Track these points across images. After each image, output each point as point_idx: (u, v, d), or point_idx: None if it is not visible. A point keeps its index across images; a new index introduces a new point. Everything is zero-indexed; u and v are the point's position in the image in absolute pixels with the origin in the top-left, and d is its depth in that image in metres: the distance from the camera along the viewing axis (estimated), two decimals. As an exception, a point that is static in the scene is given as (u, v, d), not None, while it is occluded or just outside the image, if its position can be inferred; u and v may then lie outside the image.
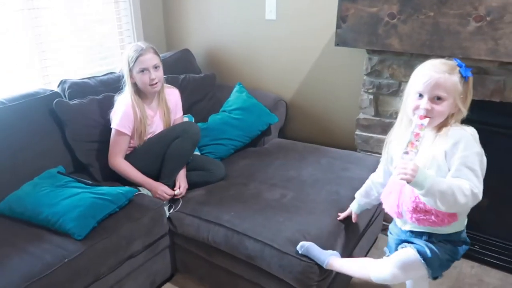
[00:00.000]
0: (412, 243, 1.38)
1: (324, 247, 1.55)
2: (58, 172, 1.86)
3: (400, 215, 1.38)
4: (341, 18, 1.91)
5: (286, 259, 1.55)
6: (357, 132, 2.22)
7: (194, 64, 2.64)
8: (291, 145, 2.39)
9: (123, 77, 1.96)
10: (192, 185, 1.99)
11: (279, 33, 2.44)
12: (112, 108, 1.96)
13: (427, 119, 1.25)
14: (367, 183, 1.64)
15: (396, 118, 2.05)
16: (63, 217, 1.56)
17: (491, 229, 2.07)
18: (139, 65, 1.88)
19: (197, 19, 2.74)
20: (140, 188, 1.92)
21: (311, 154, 2.24)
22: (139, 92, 1.96)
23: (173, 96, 2.10)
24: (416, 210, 1.30)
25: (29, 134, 1.88)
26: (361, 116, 2.18)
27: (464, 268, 2.04)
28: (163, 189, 1.90)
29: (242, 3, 2.51)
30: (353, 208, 1.67)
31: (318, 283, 1.53)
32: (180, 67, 2.47)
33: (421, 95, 1.27)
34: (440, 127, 1.29)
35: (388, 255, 1.53)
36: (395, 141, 1.42)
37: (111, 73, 2.30)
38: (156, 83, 1.93)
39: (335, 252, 1.53)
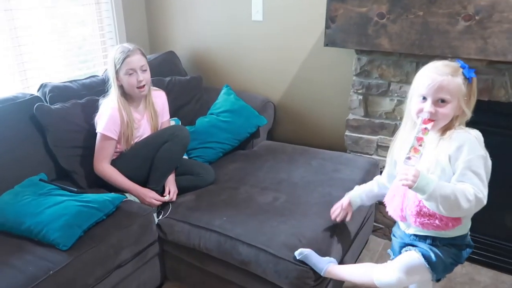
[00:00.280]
0: (416, 246, 1.36)
1: (320, 250, 1.53)
2: (40, 180, 1.78)
3: (404, 219, 1.37)
4: (330, 18, 1.90)
5: (281, 264, 1.52)
6: (347, 133, 2.21)
7: (179, 66, 2.58)
8: (281, 147, 2.36)
9: (108, 79, 1.89)
10: (181, 190, 1.94)
11: (266, 34, 2.41)
12: (97, 112, 1.89)
13: (431, 124, 1.23)
14: (372, 182, 1.62)
15: (386, 118, 2.09)
16: (47, 226, 1.49)
17: (481, 227, 2.08)
18: (126, 66, 1.82)
19: (182, 20, 2.68)
20: (127, 195, 1.86)
21: (301, 156, 2.22)
22: (125, 95, 1.89)
23: (159, 98, 2.04)
24: (420, 214, 1.28)
25: (8, 141, 1.79)
26: (351, 117, 2.17)
27: (456, 267, 2.04)
28: (151, 196, 1.84)
29: (228, 4, 2.47)
30: (354, 202, 1.62)
31: (314, 288, 1.50)
32: (165, 70, 2.42)
33: (424, 98, 1.26)
34: (444, 130, 1.28)
35: (393, 258, 1.52)
36: (398, 145, 1.39)
37: (94, 76, 2.22)
38: (144, 85, 1.87)
39: (332, 259, 1.51)
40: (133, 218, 1.69)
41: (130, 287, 1.74)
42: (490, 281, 1.99)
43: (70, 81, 2.11)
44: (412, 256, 1.34)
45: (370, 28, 1.82)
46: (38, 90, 2.03)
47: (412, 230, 1.37)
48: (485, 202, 1.19)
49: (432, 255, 1.31)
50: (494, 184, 1.84)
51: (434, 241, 1.33)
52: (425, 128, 1.24)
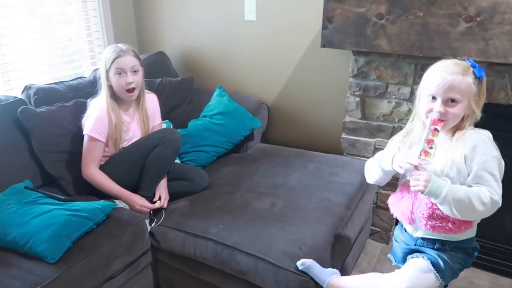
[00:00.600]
0: (422, 252, 1.32)
1: (321, 258, 1.48)
2: (26, 187, 1.69)
3: (412, 222, 1.33)
4: (327, 19, 1.85)
5: (281, 274, 1.46)
6: (343, 135, 2.17)
7: (170, 67, 2.51)
8: (275, 150, 2.30)
9: (99, 79, 1.83)
10: (174, 196, 1.87)
11: (259, 34, 2.35)
12: (85, 113, 1.81)
13: (441, 124, 1.21)
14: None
15: (383, 121, 2.05)
16: (34, 238, 1.41)
17: (480, 230, 2.06)
18: (116, 66, 1.75)
19: (172, 19, 2.61)
20: (117, 201, 1.78)
21: (296, 159, 2.17)
22: (115, 96, 1.82)
23: (151, 101, 1.97)
24: (432, 216, 1.25)
25: (-10, 146, 1.69)
26: (347, 119, 2.13)
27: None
28: (141, 203, 1.77)
29: (220, 3, 2.41)
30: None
31: (315, 298, 1.45)
32: (155, 71, 2.34)
33: (434, 98, 1.23)
34: (454, 131, 1.26)
35: (394, 264, 1.48)
36: (407, 145, 1.35)
37: (81, 77, 2.14)
38: (133, 88, 1.80)
39: (335, 270, 1.46)
40: (125, 226, 1.62)
41: (122, 299, 1.66)
42: (489, 284, 1.97)
43: (56, 83, 2.02)
44: (420, 264, 1.30)
45: (368, 29, 1.78)
46: (22, 93, 1.93)
47: (420, 233, 1.34)
48: (500, 203, 1.17)
49: (441, 262, 1.29)
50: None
51: (443, 245, 1.31)
52: (435, 129, 1.21)
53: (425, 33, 1.68)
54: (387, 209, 2.14)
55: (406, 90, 1.93)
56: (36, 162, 1.82)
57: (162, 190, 1.84)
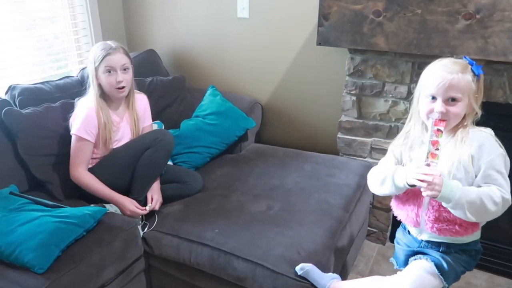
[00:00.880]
0: (425, 254, 1.30)
1: (320, 262, 1.44)
2: (11, 193, 1.61)
3: (417, 224, 1.30)
4: (323, 16, 1.80)
5: (280, 280, 1.42)
6: (339, 135, 2.13)
7: (161, 65, 2.44)
8: (270, 150, 2.26)
9: (87, 77, 1.76)
10: (167, 199, 1.82)
11: (253, 32, 2.30)
12: (72, 112, 1.75)
13: (443, 124, 1.18)
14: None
15: (380, 120, 2.02)
16: (20, 247, 1.34)
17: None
18: (105, 64, 1.69)
19: (162, 16, 2.53)
20: (107, 205, 1.72)
21: (292, 160, 2.12)
22: (104, 95, 1.76)
23: (140, 102, 1.91)
24: (438, 219, 1.23)
25: (-27, 150, 1.62)
26: (344, 118, 2.09)
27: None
28: (133, 208, 1.71)
29: (212, 0, 2.34)
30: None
31: (315, 305, 1.41)
32: (145, 70, 2.27)
33: (434, 98, 1.20)
34: (456, 130, 1.23)
35: (396, 267, 1.45)
36: (405, 148, 1.32)
37: (68, 76, 2.06)
38: (123, 87, 1.74)
39: (335, 275, 1.42)
40: (116, 232, 1.55)
41: (114, 308, 1.60)
42: (486, 284, 1.96)
43: (42, 83, 1.94)
44: (424, 266, 1.27)
45: (365, 27, 1.74)
46: (6, 93, 1.85)
47: (425, 236, 1.31)
48: (510, 201, 1.16)
49: (444, 264, 1.26)
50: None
51: (448, 248, 1.28)
52: (438, 130, 1.19)
53: (423, 31, 1.65)
54: (384, 209, 2.16)
55: (403, 89, 1.90)
56: (21, 166, 1.75)
57: (154, 192, 1.79)
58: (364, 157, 2.12)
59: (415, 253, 1.36)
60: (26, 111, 1.75)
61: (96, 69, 1.70)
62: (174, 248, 1.61)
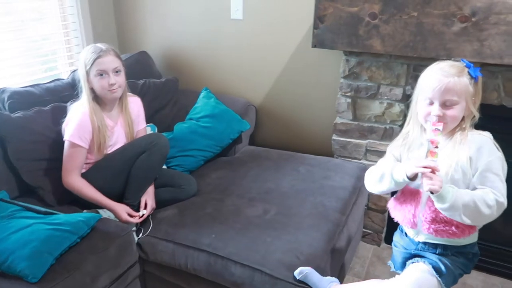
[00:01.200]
0: (423, 257, 1.29)
1: (319, 266, 1.43)
2: (1, 200, 1.57)
3: (414, 226, 1.30)
4: (319, 18, 1.79)
5: (279, 285, 1.41)
6: (334, 137, 2.12)
7: (153, 67, 2.41)
8: (265, 153, 2.24)
9: (79, 81, 1.72)
10: (161, 203, 1.79)
11: (246, 34, 2.28)
12: (65, 117, 1.71)
13: (441, 124, 1.19)
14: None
15: (375, 122, 2.02)
16: (13, 255, 1.31)
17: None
18: (97, 67, 1.66)
19: (155, 18, 2.50)
20: (101, 211, 1.69)
21: (287, 162, 2.11)
22: (97, 99, 1.72)
23: (134, 104, 1.88)
24: (435, 220, 1.23)
25: (-39, 156, 1.57)
26: (338, 120, 2.08)
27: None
28: (126, 215, 1.68)
29: (205, 1, 2.32)
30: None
31: (314, 309, 1.40)
32: (137, 72, 2.23)
33: (431, 101, 1.21)
34: (454, 132, 1.23)
35: (393, 270, 1.45)
36: (404, 149, 1.32)
37: (58, 79, 2.02)
38: (116, 88, 1.70)
39: (334, 278, 1.41)
40: (111, 239, 1.52)
41: (109, 315, 1.57)
42: (482, 284, 1.97)
43: (32, 86, 1.90)
44: (422, 269, 1.27)
45: (361, 29, 1.74)
46: (-5, 97, 1.80)
47: (422, 238, 1.31)
48: (506, 204, 1.16)
49: (442, 267, 1.26)
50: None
51: (445, 250, 1.28)
52: (436, 129, 1.19)
53: (419, 34, 1.65)
54: (379, 211, 2.16)
55: (398, 91, 1.90)
56: (12, 171, 1.71)
57: (148, 198, 1.76)
58: (359, 159, 2.11)
59: (412, 256, 1.36)
60: (16, 115, 1.71)
61: (88, 72, 1.67)
62: (170, 254, 1.59)
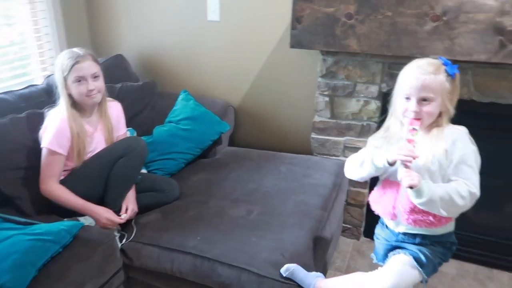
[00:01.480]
0: (404, 248, 1.34)
1: (304, 263, 1.46)
2: (-23, 212, 1.52)
3: (394, 217, 1.35)
4: (296, 19, 1.82)
5: (266, 283, 1.42)
6: (313, 135, 2.16)
7: (130, 71, 2.37)
8: (245, 153, 2.25)
9: (56, 87, 1.68)
10: (143, 208, 1.77)
11: (224, 35, 2.28)
12: (42, 124, 1.67)
13: (418, 123, 1.23)
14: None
15: (352, 119, 2.06)
16: (-7, 269, 1.26)
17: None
18: (75, 73, 1.62)
19: (129, 20, 2.46)
20: (81, 219, 1.66)
21: (268, 162, 2.13)
22: (76, 105, 1.69)
23: (114, 109, 1.85)
24: (413, 210, 1.28)
25: None
26: (317, 119, 2.12)
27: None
28: (108, 215, 1.65)
29: (181, 3, 2.30)
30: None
31: (302, 305, 1.43)
32: (113, 75, 2.19)
33: (408, 98, 1.26)
34: (431, 127, 1.28)
35: (375, 262, 1.49)
36: (385, 141, 1.36)
37: (32, 85, 1.96)
38: (95, 93, 1.68)
39: (319, 273, 1.45)
40: (94, 247, 1.50)
41: (94, 324, 1.55)
42: (456, 271, 2.05)
43: (5, 93, 1.84)
44: (403, 260, 1.32)
45: (337, 29, 1.77)
46: (-33, 105, 1.74)
47: (402, 228, 1.36)
48: (478, 194, 1.21)
49: (422, 256, 1.31)
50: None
51: (424, 239, 1.33)
52: (413, 129, 1.24)
53: (393, 33, 1.70)
54: (357, 205, 2.21)
55: (374, 89, 1.95)
56: (-13, 182, 1.65)
57: (130, 202, 1.74)
58: (338, 156, 2.16)
59: (393, 247, 1.40)
60: (-10, 123, 1.66)
61: (65, 78, 1.63)
62: (155, 258, 1.58)
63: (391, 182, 1.35)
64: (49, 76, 1.98)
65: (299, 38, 1.85)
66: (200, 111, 2.17)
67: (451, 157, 1.24)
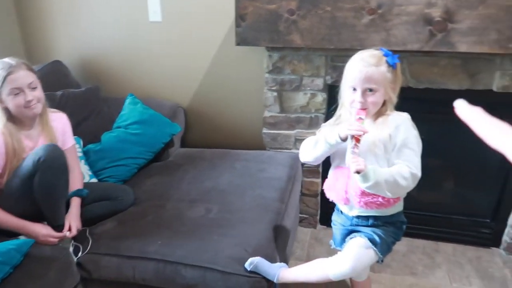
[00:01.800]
0: (359, 231, 1.41)
1: (267, 255, 1.48)
2: None
3: (347, 201, 1.41)
4: (240, 17, 1.84)
5: (232, 280, 1.43)
6: (264, 130, 2.20)
7: (70, 77, 2.27)
8: (198, 153, 2.24)
9: None
10: (98, 218, 1.71)
11: (167, 35, 2.25)
12: None
13: (364, 113, 1.30)
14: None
15: (301, 112, 2.12)
16: None
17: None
18: (10, 85, 1.52)
19: (66, 24, 2.35)
20: (21, 237, 1.54)
21: (222, 160, 2.14)
22: (13, 119, 1.58)
23: (59, 122, 1.74)
24: (364, 193, 1.34)
25: None
26: (267, 114, 2.16)
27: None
28: (46, 232, 1.53)
29: (121, 4, 2.24)
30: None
31: (268, 295, 1.46)
32: (52, 83, 2.08)
33: (355, 89, 1.31)
34: (377, 115, 1.35)
35: (333, 247, 1.55)
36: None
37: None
38: (35, 104, 1.58)
39: (283, 264, 1.48)
40: (49, 263, 1.43)
41: None
42: (406, 248, 2.18)
43: None
44: (359, 243, 1.38)
45: (281, 25, 1.82)
46: None
47: (355, 212, 1.42)
48: (419, 175, 1.29)
49: (376, 237, 1.38)
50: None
51: (376, 220, 1.40)
52: (360, 118, 1.30)
53: (333, 27, 1.77)
54: (312, 195, 2.28)
55: (319, 81, 2.02)
56: None
57: (72, 219, 1.61)
58: (290, 149, 2.22)
59: (350, 232, 1.47)
60: None
61: None
62: (115, 268, 1.53)
63: (342, 168, 1.41)
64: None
65: (244, 36, 1.88)
66: (149, 114, 2.13)
67: (395, 140, 1.31)
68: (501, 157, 0.55)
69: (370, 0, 1.69)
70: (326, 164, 1.51)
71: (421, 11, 1.67)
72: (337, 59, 1.94)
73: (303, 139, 2.14)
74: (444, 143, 2.08)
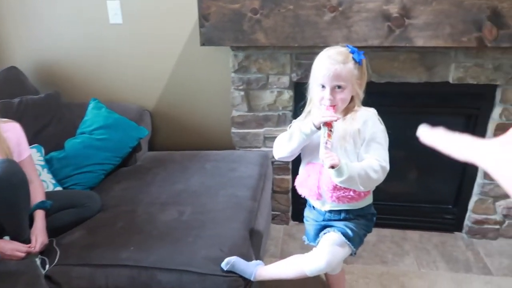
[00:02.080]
0: (332, 226, 1.43)
1: (243, 254, 1.49)
2: None
3: (320, 196, 1.42)
4: (203, 17, 1.83)
5: (208, 281, 1.42)
6: (233, 130, 2.20)
7: (27, 83, 2.17)
8: (167, 156, 2.21)
9: None
10: (65, 228, 1.65)
11: (129, 38, 2.21)
12: None
13: (333, 110, 1.32)
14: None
15: (269, 110, 2.14)
16: None
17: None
18: None
19: (21, 28, 2.25)
20: None
21: (191, 162, 2.12)
22: None
23: (12, 133, 1.63)
24: (336, 188, 1.36)
25: None
26: (235, 113, 2.16)
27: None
28: (12, 246, 1.46)
29: (79, 7, 2.17)
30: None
31: (245, 294, 1.46)
32: (8, 90, 2.00)
33: (323, 86, 1.33)
34: (346, 111, 1.38)
35: (307, 243, 1.57)
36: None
37: None
38: None
39: (259, 261, 1.49)
40: (15, 278, 1.37)
41: None
42: (376, 238, 2.25)
43: None
44: (333, 238, 1.41)
45: (245, 24, 1.82)
46: None
47: (328, 207, 1.44)
48: (388, 168, 1.33)
49: (349, 231, 1.41)
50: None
51: (348, 214, 1.44)
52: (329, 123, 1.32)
53: (297, 25, 1.80)
54: (283, 192, 2.31)
55: (285, 79, 2.05)
56: None
57: (38, 233, 1.53)
58: (259, 148, 2.23)
59: (323, 227, 1.50)
60: None
61: None
62: (87, 278, 1.48)
63: (313, 164, 1.43)
64: None
65: (209, 36, 1.87)
66: (114, 118, 2.08)
67: (363, 135, 1.34)
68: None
69: (331, -3, 1.73)
70: (296, 161, 1.53)
71: (379, 7, 1.73)
72: (301, 56, 1.97)
73: (272, 137, 2.19)
74: (406, 135, 2.13)
